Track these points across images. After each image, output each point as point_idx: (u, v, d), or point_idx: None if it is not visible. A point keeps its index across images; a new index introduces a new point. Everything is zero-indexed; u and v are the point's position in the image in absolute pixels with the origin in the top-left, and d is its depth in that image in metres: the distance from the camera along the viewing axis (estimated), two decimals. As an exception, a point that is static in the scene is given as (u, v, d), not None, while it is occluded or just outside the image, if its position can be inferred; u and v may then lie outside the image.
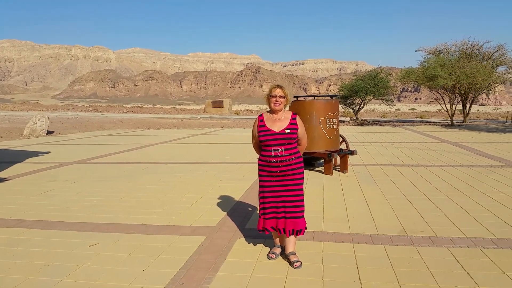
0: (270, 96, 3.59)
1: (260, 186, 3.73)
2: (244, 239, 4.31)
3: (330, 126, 7.76)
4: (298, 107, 7.91)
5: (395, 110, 67.60)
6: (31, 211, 5.63)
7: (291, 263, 3.56)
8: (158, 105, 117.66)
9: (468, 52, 22.51)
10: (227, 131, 21.02)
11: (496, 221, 4.63)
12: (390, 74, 25.91)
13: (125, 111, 51.63)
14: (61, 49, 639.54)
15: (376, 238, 4.21)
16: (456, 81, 19.68)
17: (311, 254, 3.81)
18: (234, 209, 5.45)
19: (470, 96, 23.66)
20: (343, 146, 8.74)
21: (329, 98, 7.99)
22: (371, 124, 24.68)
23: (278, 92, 3.56)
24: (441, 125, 22.06)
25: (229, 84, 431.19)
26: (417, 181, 6.95)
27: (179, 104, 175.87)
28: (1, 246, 4.26)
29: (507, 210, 5.07)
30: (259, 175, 3.71)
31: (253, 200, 5.84)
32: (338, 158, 8.33)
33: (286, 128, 3.54)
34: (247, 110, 54.83)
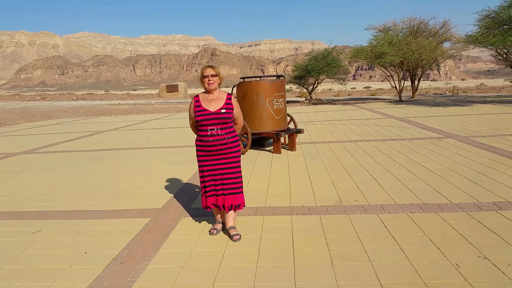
0: (203, 77, 3.67)
1: (199, 166, 3.84)
2: (189, 218, 4.43)
3: (277, 106, 7.95)
4: (245, 88, 8.03)
5: (351, 88, 69.35)
6: (-30, 204, 5.45)
7: (230, 237, 3.73)
8: (111, 91, 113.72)
9: (415, 28, 23.41)
10: (182, 115, 20.82)
11: (425, 188, 5.01)
12: (342, 53, 26.50)
13: (75, 98, 49.67)
14: (3, 35, 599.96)
15: (313, 209, 4.46)
16: (403, 58, 20.50)
17: (251, 228, 3.99)
18: (181, 191, 5.54)
19: (419, 72, 24.72)
20: (291, 126, 8.97)
21: (275, 78, 8.15)
22: (325, 103, 25.27)
23: (209, 71, 3.64)
24: (391, 102, 22.96)
25: (185, 67, 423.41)
26: (359, 155, 7.32)
27: (133, 90, 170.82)
28: None
29: (436, 178, 5.49)
30: (197, 155, 3.82)
31: (198, 182, 5.94)
32: (286, 137, 8.55)
33: (222, 108, 3.64)
34: (203, 93, 54.21)
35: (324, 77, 26.27)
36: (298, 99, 32.03)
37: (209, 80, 3.64)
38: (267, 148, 8.58)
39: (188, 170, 6.79)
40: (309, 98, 27.78)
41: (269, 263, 3.20)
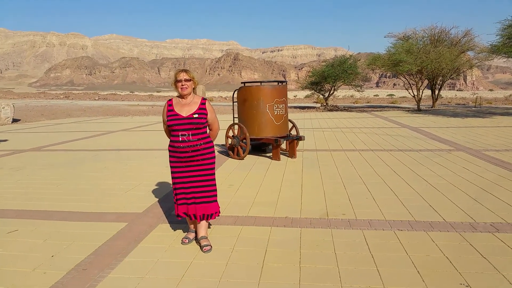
0: (176, 81, 3.52)
1: (171, 173, 3.69)
2: (166, 225, 4.27)
3: (277, 112, 7.75)
4: (245, 93, 7.86)
5: (373, 96, 68.28)
6: (-40, 200, 5.46)
7: (201, 247, 3.55)
8: (135, 92, 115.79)
9: (436, 37, 22.79)
10: (196, 118, 20.82)
11: (421, 204, 4.71)
12: (359, 60, 26.02)
13: (97, 98, 50.62)
14: (36, 36, 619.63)
15: (296, 221, 4.23)
16: (421, 66, 19.94)
17: (226, 238, 3.81)
18: (167, 195, 5.40)
19: (439, 81, 24.02)
20: (294, 132, 8.74)
21: (276, 84, 7.95)
22: (341, 110, 24.89)
23: (183, 76, 3.50)
24: (408, 111, 22.38)
25: (207, 71, 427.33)
26: (360, 166, 7.03)
27: (157, 91, 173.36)
28: None
29: (435, 193, 5.17)
30: (170, 161, 3.67)
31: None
32: (287, 143, 8.34)
33: (194, 113, 3.49)
34: (221, 96, 54.51)
35: (341, 83, 25.86)
36: (314, 104, 31.67)
37: (182, 85, 3.50)
38: (268, 154, 8.37)
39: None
40: (324, 104, 27.39)
41: (232, 279, 3.00)
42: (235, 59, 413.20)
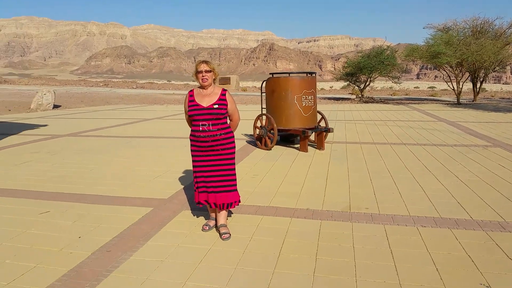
0: (197, 72, 3.58)
1: (192, 161, 3.76)
2: (189, 211, 4.37)
3: (306, 103, 7.68)
4: (274, 84, 7.84)
5: (414, 88, 66.02)
6: (3, 180, 5.84)
7: (220, 235, 3.62)
8: (172, 81, 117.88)
9: (479, 29, 21.72)
10: (228, 108, 21.00)
11: (448, 201, 4.57)
12: (396, 51, 25.21)
13: (134, 86, 51.91)
14: (77, 25, 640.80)
15: (317, 213, 4.22)
16: (461, 59, 19.09)
17: (245, 227, 3.85)
18: (192, 183, 5.49)
19: (481, 74, 22.95)
20: (323, 124, 8.64)
21: (304, 75, 7.87)
22: (377, 102, 24.30)
23: (203, 67, 3.54)
24: (448, 104, 21.56)
25: (243, 60, 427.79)
26: (390, 160, 6.88)
27: (193, 81, 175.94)
28: (-45, 213, 4.42)
29: (466, 190, 4.99)
30: (191, 150, 3.74)
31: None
32: (315, 135, 8.26)
33: (215, 104, 3.55)
34: (255, 87, 54.50)
35: (377, 75, 25.21)
36: (349, 96, 31.10)
37: (203, 76, 3.55)
38: (296, 146, 8.34)
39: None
40: (360, 95, 26.82)
41: (248, 267, 3.05)
42: (270, 49, 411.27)
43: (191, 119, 3.62)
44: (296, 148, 8.05)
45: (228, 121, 3.76)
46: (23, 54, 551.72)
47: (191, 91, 3.71)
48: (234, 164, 3.72)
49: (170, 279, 2.89)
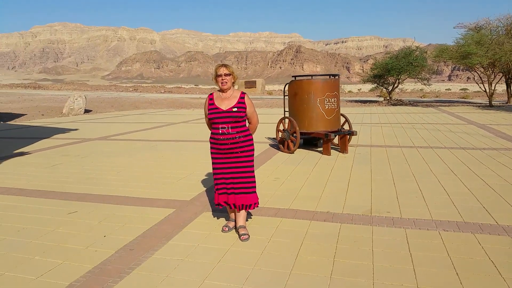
0: (216, 76, 3.66)
1: (212, 163, 3.85)
2: (210, 213, 4.46)
3: (328, 106, 7.66)
4: (296, 86, 7.87)
5: (445, 90, 64.34)
6: (33, 182, 6.09)
7: (239, 236, 3.68)
8: (199, 86, 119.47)
9: (514, 27, 20.95)
10: (253, 111, 21.11)
11: (473, 205, 4.46)
12: (426, 52, 24.65)
13: (162, 91, 52.93)
14: (108, 30, 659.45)
15: (337, 216, 4.21)
16: (493, 59, 18.48)
17: (265, 229, 3.90)
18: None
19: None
20: (346, 127, 8.59)
21: (327, 77, 7.85)
22: (405, 105, 23.85)
23: (222, 70, 3.63)
24: (479, 106, 20.92)
25: (269, 63, 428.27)
26: (415, 163, 6.76)
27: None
28: (-9, 211, 4.67)
29: (492, 194, 4.86)
30: (210, 153, 3.82)
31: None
32: (337, 138, 8.22)
33: (234, 107, 3.62)
34: (280, 90, 54.50)
35: (406, 76, 24.73)
36: (378, 98, 30.64)
37: (222, 79, 3.63)
38: (319, 149, 8.31)
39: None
40: (388, 98, 26.38)
41: (266, 267, 3.09)
42: (297, 52, 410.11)
43: (211, 122, 3.70)
44: (319, 152, 8.03)
45: (247, 124, 3.83)
46: (56, 60, 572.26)
47: (211, 94, 3.79)
48: (253, 166, 3.78)
49: (189, 277, 2.97)
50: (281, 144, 8.17)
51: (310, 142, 8.61)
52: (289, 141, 7.87)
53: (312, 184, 5.56)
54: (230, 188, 3.74)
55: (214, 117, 3.64)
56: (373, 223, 4.00)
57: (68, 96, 25.13)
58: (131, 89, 59.47)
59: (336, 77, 7.99)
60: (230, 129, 3.61)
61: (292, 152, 7.83)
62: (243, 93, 3.76)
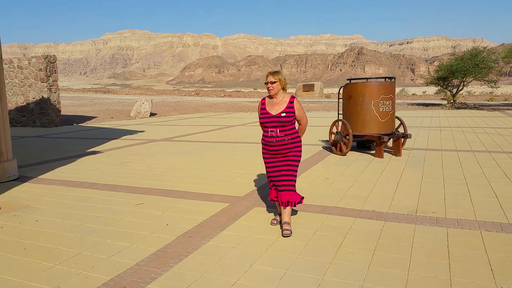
0: (265, 83, 4.02)
1: (264, 163, 4.22)
2: (261, 208, 4.83)
3: (383, 109, 7.74)
4: (350, 89, 8.02)
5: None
6: (105, 177, 6.84)
7: (282, 231, 3.94)
8: (258, 89, 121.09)
9: None
10: (309, 114, 21.30)
11: (524, 208, 4.43)
12: (493, 53, 23.28)
13: (222, 95, 54.48)
14: (174, 37, 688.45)
15: (382, 215, 4.39)
16: None
17: (310, 224, 4.19)
18: (266, 184, 5.95)
19: None
20: (402, 130, 8.57)
21: (382, 80, 7.92)
22: (470, 108, 22.76)
23: (269, 78, 3.95)
24: (555, 110, 19.45)
25: (329, 66, 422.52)
26: (469, 167, 6.67)
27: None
28: (72, 201, 5.40)
29: (548, 199, 4.76)
30: (262, 153, 4.18)
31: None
32: (391, 141, 8.24)
33: (282, 112, 3.91)
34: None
35: (472, 79, 23.55)
36: (442, 102, 29.37)
37: (268, 87, 3.95)
38: (371, 152, 8.39)
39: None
40: (451, 101, 25.25)
41: (309, 257, 3.38)
42: (358, 54, 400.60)
43: (262, 126, 4.08)
44: (372, 154, 8.12)
45: (297, 125, 4.13)
46: (125, 66, 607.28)
47: (263, 99, 4.14)
48: (297, 166, 4.07)
49: (239, 262, 3.35)
50: (333, 146, 8.36)
51: (364, 144, 8.70)
52: (342, 143, 8.04)
53: (361, 185, 5.74)
54: (279, 185, 4.06)
55: (264, 121, 3.98)
56: (416, 222, 4.14)
57: (135, 100, 26.92)
58: (193, 93, 61.91)
59: (392, 79, 8.04)
60: (278, 132, 3.92)
61: (345, 154, 8.00)
62: (292, 97, 4.03)
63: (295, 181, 4.06)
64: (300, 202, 4.06)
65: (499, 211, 4.36)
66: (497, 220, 4.06)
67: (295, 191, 4.04)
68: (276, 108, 3.96)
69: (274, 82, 3.94)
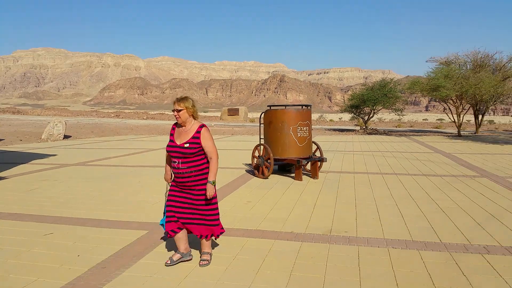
0: (172, 110, 3.71)
1: (168, 191, 3.84)
2: (181, 233, 4.72)
3: (301, 134, 8.12)
4: (271, 115, 8.32)
5: (422, 120, 66.92)
6: (11, 205, 6.25)
7: (200, 260, 3.79)
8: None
9: (479, 62, 22.25)
10: (234, 138, 21.53)
11: (423, 225, 4.88)
12: (399, 84, 25.84)
13: (145, 117, 53.04)
14: (93, 56, 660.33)
15: (300, 236, 4.55)
16: (460, 92, 19.56)
17: (231, 248, 4.20)
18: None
19: (483, 107, 23.38)
20: (318, 154, 9.03)
21: (299, 107, 8.36)
22: (380, 134, 24.68)
23: (174, 106, 3.62)
24: (449, 136, 21.85)
25: (253, 92, 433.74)
26: (378, 188, 7.20)
27: (204, 112, 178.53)
28: (-32, 233, 4.83)
29: (442, 216, 5.29)
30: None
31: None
32: (309, 164, 8.63)
33: (186, 142, 3.57)
34: (264, 118, 55.20)
35: (381, 107, 25.73)
36: (353, 127, 31.55)
37: (175, 115, 3.63)
38: (292, 174, 8.71)
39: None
40: (364, 127, 27.27)
41: (229, 281, 3.39)
42: (281, 81, 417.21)
43: (168, 155, 3.75)
44: (292, 177, 8.42)
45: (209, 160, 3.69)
46: (37, 85, 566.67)
47: (174, 124, 3.78)
48: (213, 204, 3.71)
49: (156, 291, 3.24)
50: (256, 169, 8.53)
51: (284, 168, 9.00)
52: (264, 167, 8.24)
53: (281, 207, 5.91)
54: (187, 218, 3.69)
55: (169, 150, 3.67)
56: (330, 241, 4.35)
57: (48, 122, 25.10)
58: (113, 115, 59.39)
59: (308, 107, 8.50)
60: (180, 164, 3.57)
61: (266, 178, 8.19)
62: (201, 126, 3.66)
63: (217, 214, 3.77)
64: (221, 233, 3.89)
65: (404, 229, 4.75)
66: (402, 238, 4.42)
67: (218, 224, 3.79)
68: (182, 137, 3.63)
69: (180, 110, 3.61)
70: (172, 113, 3.67)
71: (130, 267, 3.74)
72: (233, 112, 42.13)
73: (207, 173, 3.67)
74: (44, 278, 3.52)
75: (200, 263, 3.75)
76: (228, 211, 5.67)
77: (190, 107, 3.63)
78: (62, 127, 22.36)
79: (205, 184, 3.64)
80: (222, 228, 3.89)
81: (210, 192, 3.57)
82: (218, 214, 3.80)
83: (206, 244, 3.84)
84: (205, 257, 3.80)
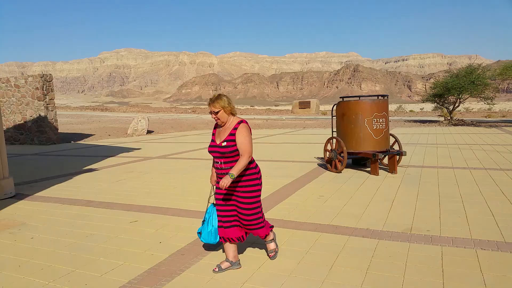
0: (209, 112, 3.46)
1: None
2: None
3: (377, 126, 7.78)
4: (344, 107, 8.08)
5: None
6: (101, 194, 6.82)
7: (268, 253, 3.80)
8: (255, 107, 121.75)
9: None
10: (306, 132, 21.37)
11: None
12: (488, 70, 23.58)
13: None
14: (170, 55, 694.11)
15: (376, 233, 4.37)
16: None
17: (304, 242, 4.15)
18: (264, 198, 5.93)
19: None
20: (396, 147, 8.61)
21: (375, 98, 7.99)
22: (467, 125, 22.90)
23: (210, 108, 3.39)
24: (549, 127, 19.60)
25: (325, 84, 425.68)
26: (465, 184, 6.67)
27: (275, 105, 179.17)
28: (67, 219, 5.38)
29: (542, 216, 4.76)
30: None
31: (279, 196, 6.29)
32: (386, 158, 8.26)
33: (224, 140, 3.38)
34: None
35: (467, 96, 23.79)
36: (438, 118, 29.57)
37: (214, 117, 3.42)
38: (367, 169, 8.39)
39: (275, 184, 7.13)
40: (449, 118, 25.43)
41: (301, 275, 3.35)
42: (354, 71, 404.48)
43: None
44: (367, 171, 8.12)
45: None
46: (122, 84, 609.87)
47: (216, 124, 3.58)
48: (255, 204, 3.51)
49: (232, 279, 3.32)
50: (328, 163, 8.37)
51: (359, 162, 8.72)
52: (337, 160, 8.05)
53: (356, 202, 5.72)
54: (234, 220, 3.54)
55: (209, 150, 3.50)
56: (411, 240, 4.12)
57: (133, 118, 26.98)
58: (189, 111, 62.12)
59: (385, 97, 8.11)
60: (223, 164, 3.40)
61: (340, 172, 7.99)
62: (239, 122, 3.42)
63: (260, 218, 3.56)
64: (268, 234, 3.72)
65: (495, 229, 4.34)
66: (493, 239, 4.04)
67: (263, 227, 3.61)
68: (221, 135, 3.43)
69: (218, 111, 3.37)
70: (210, 115, 3.47)
71: (207, 255, 3.88)
72: (304, 105, 41.77)
73: (250, 174, 3.46)
74: (130, 263, 3.78)
75: (270, 255, 3.74)
76: (300, 205, 5.63)
77: (227, 105, 3.38)
78: (146, 123, 23.85)
79: (249, 185, 3.44)
80: (270, 227, 3.74)
81: (223, 183, 3.23)
82: (260, 218, 3.57)
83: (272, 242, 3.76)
84: (273, 247, 3.73)
